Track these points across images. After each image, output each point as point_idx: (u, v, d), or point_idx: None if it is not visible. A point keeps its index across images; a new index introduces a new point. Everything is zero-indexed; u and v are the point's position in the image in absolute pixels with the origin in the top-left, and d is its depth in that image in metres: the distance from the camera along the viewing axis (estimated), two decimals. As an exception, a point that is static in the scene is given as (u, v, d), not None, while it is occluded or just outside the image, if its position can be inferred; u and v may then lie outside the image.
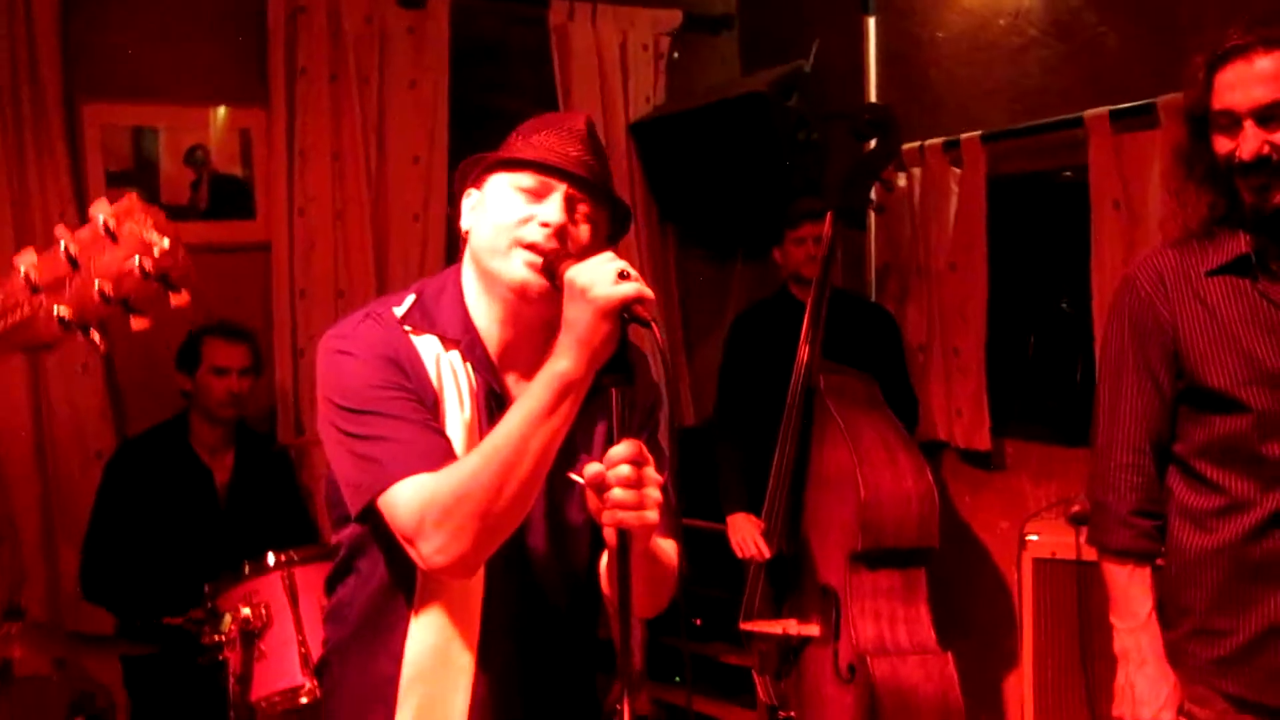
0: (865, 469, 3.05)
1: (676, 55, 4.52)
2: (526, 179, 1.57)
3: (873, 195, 3.36)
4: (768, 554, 3.24)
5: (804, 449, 3.19)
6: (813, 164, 4.14)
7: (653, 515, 1.40)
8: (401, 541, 1.49)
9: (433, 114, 3.99)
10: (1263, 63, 1.79)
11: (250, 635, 2.46)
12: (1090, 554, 2.80)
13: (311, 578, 2.55)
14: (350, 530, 1.63)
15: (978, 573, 3.69)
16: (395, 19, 3.93)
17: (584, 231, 1.57)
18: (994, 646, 3.58)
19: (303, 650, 2.49)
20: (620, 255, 1.46)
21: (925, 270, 3.71)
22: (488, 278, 1.60)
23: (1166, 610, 2.00)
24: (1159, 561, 2.03)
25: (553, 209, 1.55)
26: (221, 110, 3.79)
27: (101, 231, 1.08)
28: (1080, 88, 3.27)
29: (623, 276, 1.39)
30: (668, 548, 1.62)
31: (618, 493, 1.39)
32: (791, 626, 3.19)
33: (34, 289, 1.08)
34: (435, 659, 1.55)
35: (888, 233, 3.93)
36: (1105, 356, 2.07)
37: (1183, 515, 1.96)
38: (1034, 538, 2.94)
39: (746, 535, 3.29)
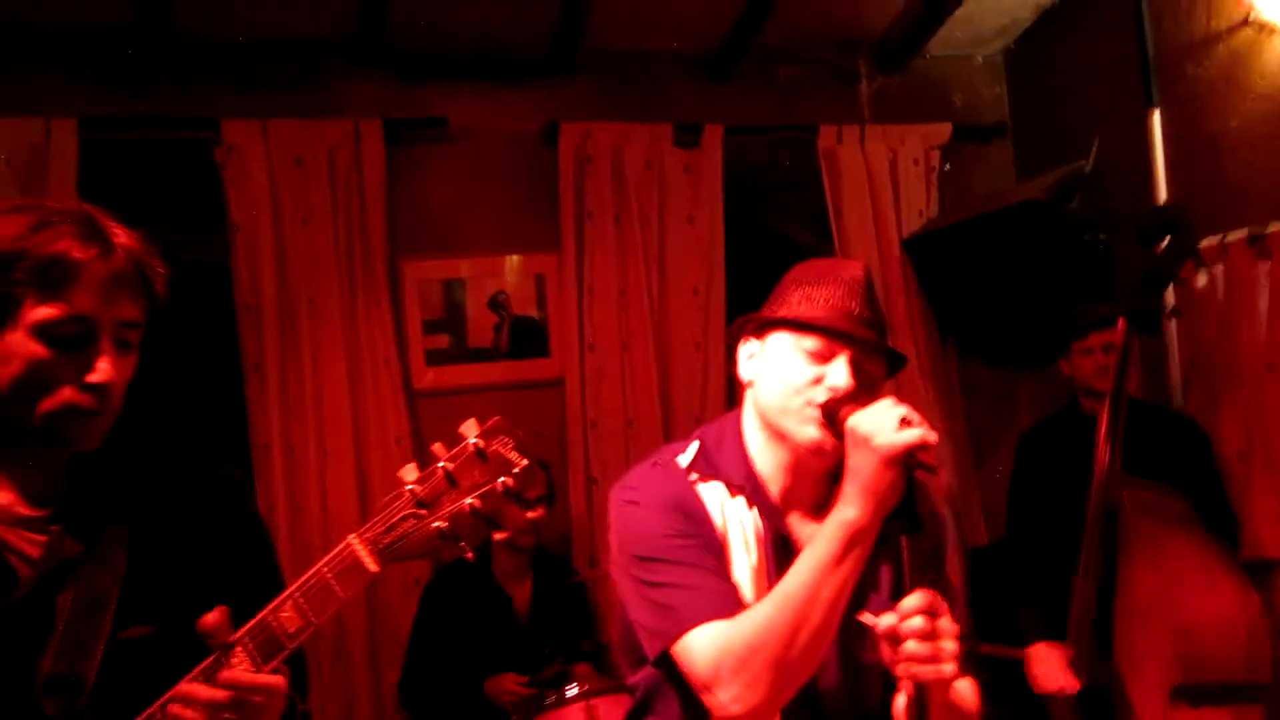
0: (1180, 593, 2.82)
1: (948, 167, 4.50)
2: (812, 342, 1.61)
3: (1170, 299, 3.17)
4: (1076, 687, 3.03)
5: (1109, 572, 2.99)
6: (1101, 267, 3.96)
7: (949, 668, 1.38)
8: (697, 689, 1.53)
9: (709, 246, 4.18)
10: None
11: (559, 759, 2.56)
12: None
13: (610, 708, 2.64)
14: (646, 672, 1.69)
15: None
16: (673, 159, 4.17)
17: (867, 385, 1.61)
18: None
19: (603, 779, 2.56)
20: (903, 373, 1.47)
21: (1237, 373, 3.43)
22: (774, 432, 1.66)
23: None
24: None
25: (841, 374, 1.59)
26: (516, 258, 4.13)
27: (473, 452, 1.24)
28: (1406, 168, 2.98)
29: (904, 423, 1.40)
30: (965, 688, 1.58)
31: (912, 645, 1.39)
32: (1108, 772, 2.95)
33: (420, 504, 1.25)
34: None
35: (1190, 336, 3.68)
36: None
37: None
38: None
39: (1051, 666, 3.10)
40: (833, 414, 1.56)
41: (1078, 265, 3.86)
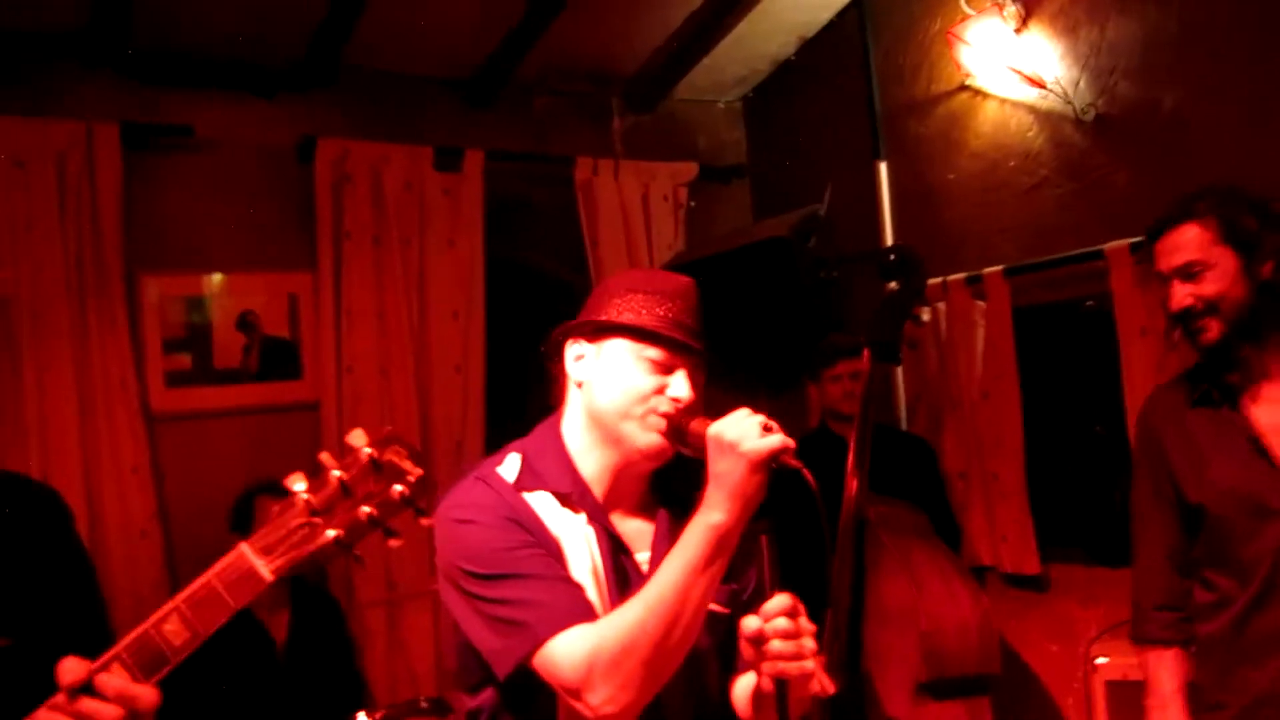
0: (925, 600, 3.10)
1: (694, 204, 4.74)
2: (654, 353, 1.67)
3: (905, 331, 3.49)
4: (832, 689, 3.25)
5: (859, 583, 3.23)
6: (832, 303, 4.31)
7: (810, 665, 1.47)
8: (563, 694, 1.54)
9: (470, 270, 4.16)
10: (1186, 232, 2.18)
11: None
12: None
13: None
14: (488, 694, 1.67)
15: (1034, 698, 3.70)
16: (433, 182, 4.13)
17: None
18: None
19: (401, 809, 2.48)
20: None
21: (958, 400, 3.83)
22: (606, 435, 1.70)
23: (1194, 692, 2.28)
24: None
25: (683, 386, 1.66)
26: (268, 277, 3.94)
27: (368, 462, 1.21)
28: (1094, 222, 3.45)
29: (766, 429, 1.48)
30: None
31: (776, 645, 1.46)
32: (859, 761, 3.18)
33: (314, 512, 1.20)
34: None
35: (916, 366, 4.06)
36: (1133, 480, 2.44)
37: (1196, 610, 2.28)
38: (1103, 660, 2.98)
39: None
40: (680, 428, 1.62)
41: (814, 299, 4.18)
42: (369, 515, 1.21)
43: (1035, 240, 3.66)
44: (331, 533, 1.21)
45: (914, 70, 4.10)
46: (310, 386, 3.92)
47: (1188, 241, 2.17)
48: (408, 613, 3.84)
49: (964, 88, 3.87)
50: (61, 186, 3.49)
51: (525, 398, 4.45)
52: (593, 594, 1.62)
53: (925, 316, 3.91)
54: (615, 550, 1.69)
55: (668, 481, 1.76)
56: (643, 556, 1.72)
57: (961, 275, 3.80)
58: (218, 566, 1.21)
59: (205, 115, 3.81)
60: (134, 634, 1.20)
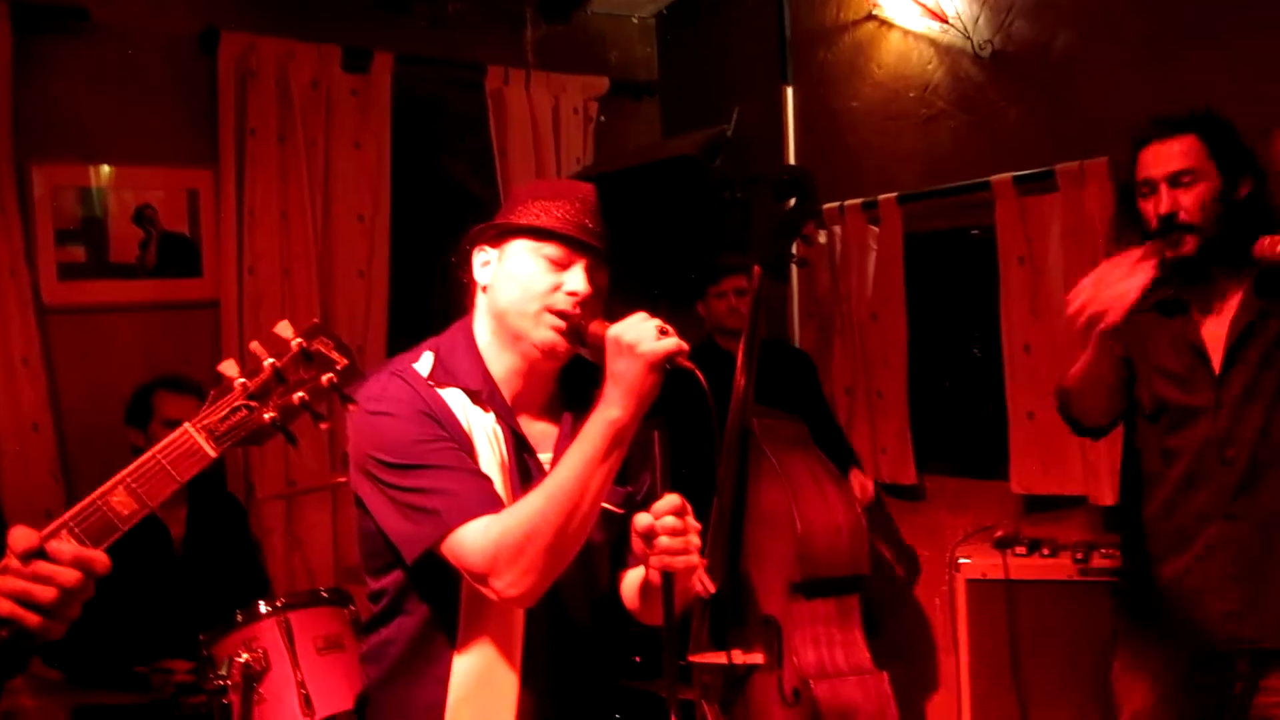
0: (800, 504, 3.26)
1: (604, 118, 4.77)
2: (552, 250, 1.73)
3: (795, 250, 3.61)
4: (712, 589, 3.42)
5: (740, 489, 3.39)
6: (738, 222, 4.42)
7: (695, 559, 1.60)
8: (470, 579, 1.64)
9: (376, 173, 4.15)
10: (1181, 143, 2.27)
11: (251, 679, 2.53)
12: (1018, 573, 3.12)
13: (306, 622, 2.65)
14: (395, 576, 1.77)
15: (904, 598, 3.95)
16: (340, 82, 4.08)
17: (595, 293, 1.76)
18: (918, 668, 3.84)
19: (302, 692, 2.57)
20: None
21: (848, 319, 4.00)
22: (510, 334, 1.77)
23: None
24: None
25: (579, 280, 1.72)
26: (167, 171, 3.87)
27: (298, 352, 1.32)
28: (985, 154, 3.62)
29: (663, 333, 1.58)
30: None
31: (665, 540, 1.58)
32: (737, 656, 3.36)
33: (251, 396, 1.31)
34: (481, 681, 1.71)
35: (810, 285, 4.21)
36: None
37: (1146, 478, 2.42)
38: (966, 561, 3.21)
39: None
40: (579, 329, 1.70)
41: (719, 218, 4.28)
42: (301, 399, 1.31)
43: (929, 170, 3.81)
44: (268, 415, 1.30)
45: (824, -4, 4.18)
46: (210, 285, 3.89)
47: (1182, 151, 2.26)
48: (306, 507, 3.89)
49: (871, 17, 3.97)
50: (-54, 67, 3.38)
51: (431, 302, 4.49)
52: (501, 488, 1.71)
53: (822, 239, 4.05)
54: (520, 449, 1.78)
55: (575, 388, 1.84)
56: (545, 456, 1.80)
57: (858, 200, 3.94)
58: (162, 443, 1.29)
59: (102, -1, 3.70)
60: (80, 505, 1.27)
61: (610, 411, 1.60)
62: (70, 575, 1.23)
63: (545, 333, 1.73)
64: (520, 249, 1.76)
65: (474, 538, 1.62)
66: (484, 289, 1.81)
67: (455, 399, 1.76)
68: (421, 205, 4.33)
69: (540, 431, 1.83)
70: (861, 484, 3.66)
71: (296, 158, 3.96)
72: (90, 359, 3.70)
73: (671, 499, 1.60)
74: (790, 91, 4.35)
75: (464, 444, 1.72)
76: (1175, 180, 2.26)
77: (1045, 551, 3.15)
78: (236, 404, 1.30)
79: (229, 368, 1.31)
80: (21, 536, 1.24)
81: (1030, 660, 3.09)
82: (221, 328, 3.86)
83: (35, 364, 3.52)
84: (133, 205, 3.80)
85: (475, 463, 1.71)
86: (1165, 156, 2.27)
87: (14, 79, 3.50)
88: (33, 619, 1.22)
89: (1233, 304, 2.30)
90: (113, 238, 3.76)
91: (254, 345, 1.33)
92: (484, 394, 1.77)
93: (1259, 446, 2.24)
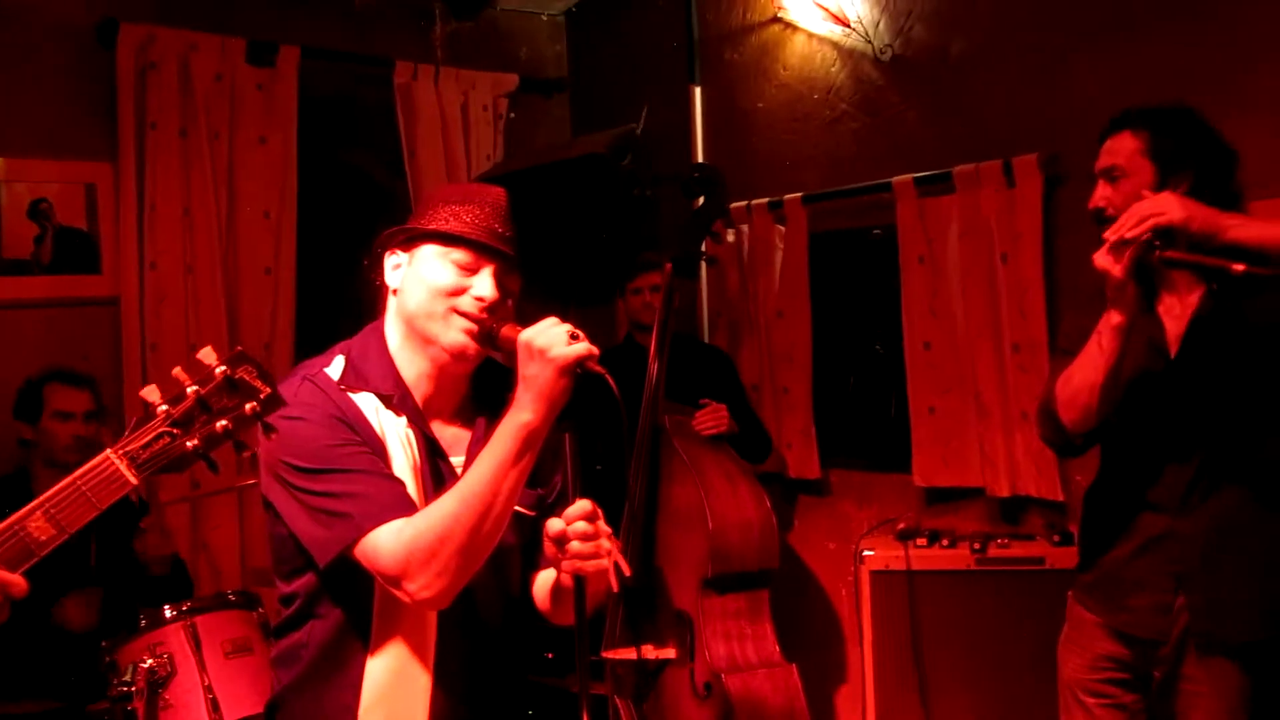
0: (711, 501, 3.32)
1: (513, 115, 4.77)
2: (460, 254, 1.75)
3: (704, 248, 3.67)
4: (628, 572, 3.45)
5: (653, 485, 3.43)
6: (646, 220, 4.47)
7: (605, 563, 1.63)
8: (383, 583, 1.65)
9: (283, 169, 4.10)
10: (1120, 140, 2.29)
11: (156, 685, 2.50)
12: (919, 564, 3.22)
13: (213, 625, 2.61)
14: (306, 579, 1.76)
15: (811, 591, 4.05)
16: (245, 76, 4.02)
17: (505, 297, 1.78)
18: (826, 659, 3.94)
19: (210, 696, 2.54)
20: None
21: (755, 317, 4.08)
22: (420, 338, 1.78)
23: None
24: None
25: (487, 285, 1.74)
26: (63, 165, 3.77)
27: (222, 380, 1.33)
28: (886, 156, 3.72)
29: (574, 337, 1.61)
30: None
31: (576, 545, 1.61)
32: (649, 651, 3.41)
33: (174, 423, 1.31)
34: (394, 684, 1.72)
35: (719, 283, 4.28)
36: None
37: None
38: (870, 553, 3.30)
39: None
40: (491, 332, 1.73)
41: (628, 216, 4.33)
42: (224, 427, 1.34)
43: (832, 170, 3.91)
44: (191, 443, 1.32)
45: (730, -1, 4.25)
46: (109, 281, 3.81)
47: (1117, 148, 2.30)
48: (211, 510, 3.83)
49: (776, 19, 4.05)
50: None
51: (341, 301, 4.44)
52: (413, 492, 1.72)
53: (729, 238, 4.12)
54: (432, 453, 1.79)
55: (487, 391, 1.86)
56: (458, 460, 1.81)
57: (764, 200, 4.02)
58: (82, 470, 1.30)
59: (-5, -14, 3.59)
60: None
61: (522, 415, 1.62)
62: (16, 585, 1.23)
63: (455, 335, 1.74)
64: (430, 253, 1.78)
65: (387, 541, 1.62)
66: (394, 292, 1.82)
67: (367, 403, 1.76)
68: (329, 201, 4.29)
69: (452, 435, 1.84)
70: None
71: (199, 152, 3.89)
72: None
73: (582, 504, 1.64)
74: (698, 91, 4.41)
75: (376, 448, 1.73)
76: (1109, 175, 2.30)
77: (945, 543, 3.26)
78: (160, 431, 1.31)
79: (151, 394, 1.32)
80: None
81: (931, 650, 3.19)
82: (122, 325, 3.78)
83: (-77, 363, 3.41)
84: (27, 199, 3.70)
85: (388, 467, 1.72)
86: (1105, 151, 2.32)
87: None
88: None
89: (1192, 300, 2.30)
90: (6, 232, 3.66)
91: (176, 371, 1.34)
92: (395, 398, 1.78)
93: (1212, 447, 2.26)
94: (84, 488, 1.29)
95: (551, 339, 1.61)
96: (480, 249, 1.75)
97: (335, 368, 1.79)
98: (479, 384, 1.87)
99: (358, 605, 1.73)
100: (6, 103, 3.64)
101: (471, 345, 1.74)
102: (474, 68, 4.63)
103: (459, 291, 1.75)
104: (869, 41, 3.72)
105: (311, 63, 4.16)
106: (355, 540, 1.64)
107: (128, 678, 2.48)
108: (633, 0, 4.72)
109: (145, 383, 3.65)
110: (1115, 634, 2.38)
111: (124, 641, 2.64)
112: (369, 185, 4.57)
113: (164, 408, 1.31)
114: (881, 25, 3.71)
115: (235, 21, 4.05)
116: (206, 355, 1.35)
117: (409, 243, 1.81)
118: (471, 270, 1.75)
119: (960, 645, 3.21)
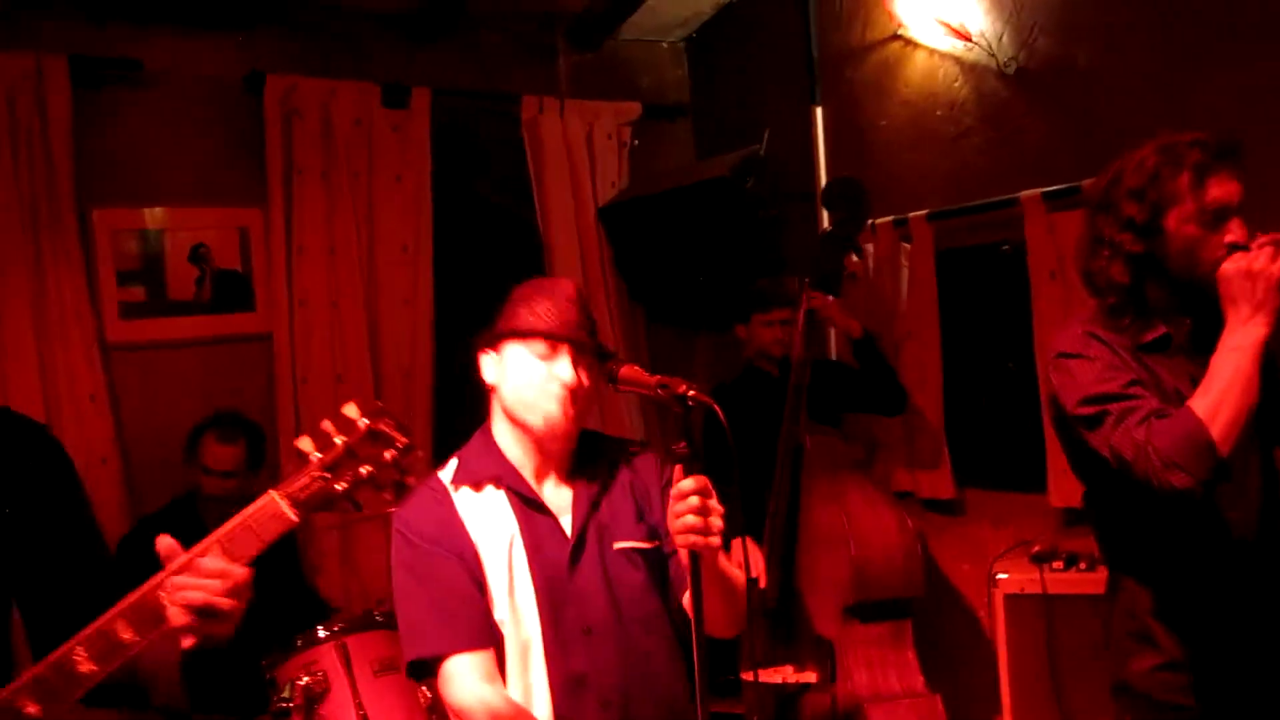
0: (854, 528, 3.30)
1: (637, 142, 4.86)
2: (540, 346, 2.01)
3: (846, 264, 3.64)
4: (770, 604, 3.47)
5: (793, 507, 3.43)
6: (771, 242, 4.49)
7: (716, 540, 1.74)
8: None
9: (417, 205, 4.28)
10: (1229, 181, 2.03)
11: (312, 701, 2.65)
12: (1055, 588, 3.15)
13: (362, 645, 2.76)
14: None
15: (947, 615, 3.99)
16: (381, 118, 4.22)
17: (584, 376, 2.03)
18: (966, 684, 3.87)
19: (361, 713, 2.68)
20: (600, 333, 2.04)
21: (883, 339, 4.04)
22: (520, 423, 2.05)
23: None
24: None
25: (565, 369, 2.01)
26: (218, 211, 4.03)
27: (366, 431, 1.50)
28: (1012, 170, 3.65)
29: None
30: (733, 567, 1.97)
31: (689, 519, 1.72)
32: (789, 674, 3.41)
33: (325, 468, 1.48)
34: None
35: (845, 305, 4.25)
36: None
37: None
38: (1003, 576, 3.24)
39: (757, 555, 3.43)
40: (611, 373, 1.91)
41: (752, 239, 4.36)
42: (369, 473, 1.50)
43: (957, 186, 3.86)
44: (339, 486, 1.48)
45: (850, 17, 4.24)
46: (262, 319, 4.04)
47: (1232, 191, 2.03)
48: (360, 534, 4.02)
49: (896, 37, 4.03)
50: (12, 122, 3.55)
51: (471, 332, 4.59)
52: (504, 564, 1.97)
53: (855, 259, 4.09)
54: (534, 511, 2.03)
55: (587, 463, 2.11)
56: (565, 520, 2.05)
57: (889, 219, 4.00)
58: (251, 508, 1.47)
59: (153, 49, 3.86)
60: (188, 554, 1.45)
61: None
62: (242, 573, 1.42)
63: (549, 405, 1.99)
64: (514, 350, 2.05)
65: (465, 688, 1.94)
66: (493, 389, 2.09)
67: (468, 500, 2.04)
68: (462, 231, 4.46)
69: (559, 499, 2.08)
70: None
71: (341, 193, 4.10)
72: (152, 393, 3.87)
73: (694, 480, 1.74)
74: (819, 111, 4.42)
75: (468, 555, 1.99)
76: (1232, 212, 2.04)
77: (1082, 565, 3.18)
78: (315, 476, 1.47)
79: (305, 444, 1.49)
80: (168, 545, 1.44)
81: (1070, 678, 3.11)
82: (275, 359, 4.00)
83: (101, 400, 3.68)
84: (188, 245, 3.97)
85: (478, 568, 1.99)
86: (1234, 187, 2.04)
87: (74, 130, 3.66)
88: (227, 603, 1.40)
89: None
90: (170, 276, 3.93)
91: (325, 424, 1.51)
92: (504, 477, 2.05)
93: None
94: (252, 524, 1.45)
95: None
96: (552, 338, 2.00)
97: (448, 470, 2.09)
98: (581, 456, 2.11)
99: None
100: (167, 157, 3.92)
101: (562, 421, 1.99)
102: (597, 97, 4.74)
103: (544, 377, 2.00)
104: (992, 55, 3.67)
105: (442, 103, 4.33)
106: (429, 654, 1.98)
107: (286, 694, 2.65)
108: (752, 24, 4.77)
109: (297, 414, 3.94)
110: None
111: (281, 659, 2.80)
112: (499, 215, 4.72)
113: (316, 455, 1.48)
114: (1005, 38, 3.65)
115: (368, 66, 4.26)
116: (350, 410, 1.51)
117: (495, 342, 2.07)
118: (551, 357, 2.00)
119: (1101, 673, 3.12)
